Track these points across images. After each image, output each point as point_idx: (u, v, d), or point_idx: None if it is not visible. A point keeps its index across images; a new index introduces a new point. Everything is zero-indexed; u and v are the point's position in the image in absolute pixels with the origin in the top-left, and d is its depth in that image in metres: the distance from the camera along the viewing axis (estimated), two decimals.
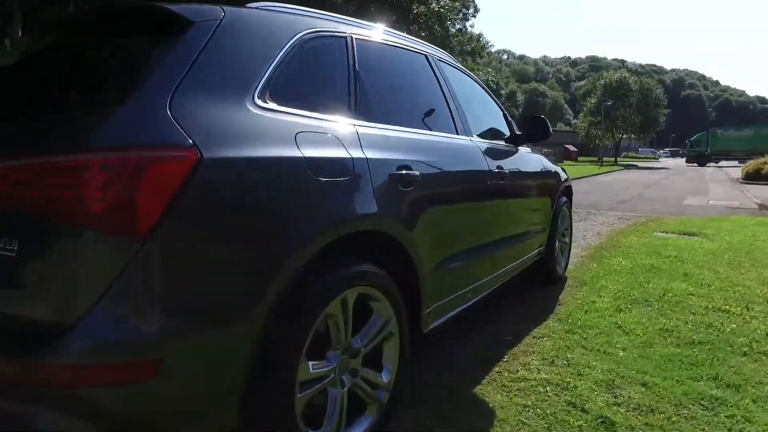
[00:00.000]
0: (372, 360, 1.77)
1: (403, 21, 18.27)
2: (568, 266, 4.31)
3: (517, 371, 2.30)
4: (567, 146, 43.95)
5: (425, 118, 2.23)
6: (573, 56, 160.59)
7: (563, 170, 4.11)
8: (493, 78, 47.99)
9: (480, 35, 43.01)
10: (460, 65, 2.96)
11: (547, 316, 3.11)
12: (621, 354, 2.53)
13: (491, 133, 3.05)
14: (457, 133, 2.41)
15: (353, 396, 1.66)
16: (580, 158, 43.18)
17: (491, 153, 2.64)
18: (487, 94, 3.17)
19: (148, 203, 1.09)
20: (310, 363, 1.44)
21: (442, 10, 20.77)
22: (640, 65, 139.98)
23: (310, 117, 1.52)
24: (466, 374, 2.27)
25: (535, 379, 2.21)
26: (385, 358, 1.81)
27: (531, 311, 3.19)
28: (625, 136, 48.70)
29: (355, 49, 1.87)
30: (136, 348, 1.07)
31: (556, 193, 3.70)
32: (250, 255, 1.24)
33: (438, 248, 2.03)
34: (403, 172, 1.78)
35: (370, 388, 1.70)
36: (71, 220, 1.06)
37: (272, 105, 1.41)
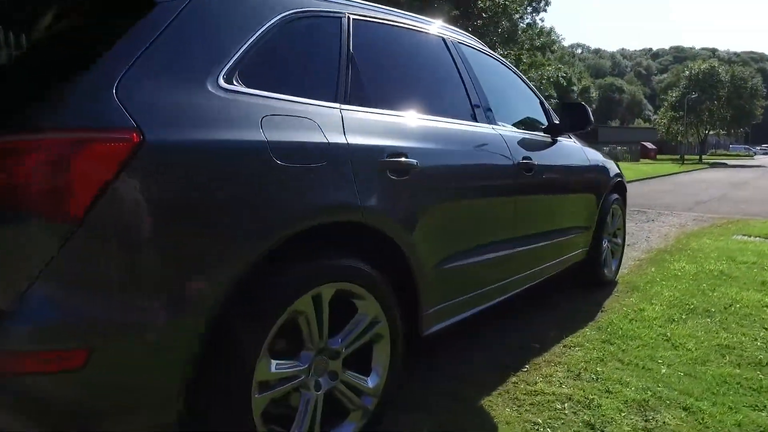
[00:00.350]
0: (360, 363, 1.65)
1: (466, 16, 17.86)
2: (621, 270, 3.92)
3: (536, 383, 2.07)
4: (644, 144, 41.10)
5: (435, 104, 2.06)
6: (655, 47, 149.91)
7: (616, 165, 3.74)
8: (563, 74, 45.90)
9: (551, 29, 41.32)
10: (488, 50, 2.74)
11: (584, 323, 2.81)
12: (663, 371, 2.21)
13: (525, 123, 2.81)
14: (476, 121, 2.22)
15: (337, 400, 1.55)
16: (659, 156, 40.21)
17: (518, 143, 2.41)
18: (521, 81, 2.93)
19: (83, 186, 1.04)
20: (274, 362, 1.34)
21: (508, 3, 20.02)
22: (735, 53, 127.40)
23: (284, 100, 1.42)
24: (479, 382, 2.08)
25: (553, 394, 1.98)
26: (374, 362, 1.67)
27: (567, 317, 2.91)
28: (712, 131, 44.66)
29: (351, 29, 1.75)
30: (65, 336, 1.03)
31: (604, 190, 3.36)
32: (195, 243, 1.16)
33: (442, 245, 1.86)
34: (396, 159, 1.63)
35: (353, 393, 1.58)
36: (5, 202, 1.03)
37: (239, 87, 1.33)
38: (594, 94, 65.15)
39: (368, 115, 1.66)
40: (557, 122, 2.93)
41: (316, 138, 1.42)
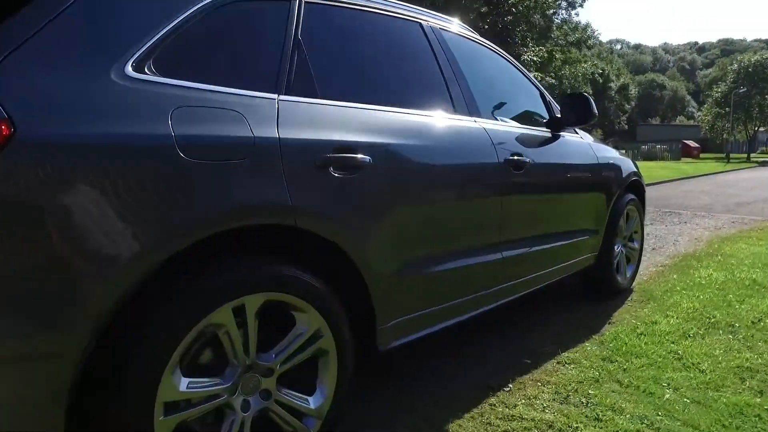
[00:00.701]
0: (305, 381, 1.49)
1: (496, 12, 17.39)
2: (640, 276, 3.62)
3: (515, 406, 1.85)
4: (686, 142, 39.25)
5: (401, 95, 1.87)
6: (701, 41, 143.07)
7: (633, 163, 3.44)
8: (599, 70, 44.17)
9: (587, 24, 39.92)
10: (480, 38, 2.53)
11: (586, 336, 2.56)
12: (668, 396, 1.95)
13: (521, 117, 2.59)
14: (455, 113, 2.02)
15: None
16: (703, 155, 38.26)
17: (507, 138, 2.20)
18: (519, 72, 2.69)
19: None
20: (186, 380, 1.20)
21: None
22: None
23: (206, 91, 1.27)
24: (454, 403, 1.87)
25: (532, 420, 1.76)
26: (319, 380, 1.51)
27: (569, 329, 2.66)
28: (762, 128, 42.21)
29: (301, 14, 1.59)
30: None
31: (616, 189, 3.07)
32: (76, 248, 1.02)
33: (402, 251, 1.67)
34: (343, 155, 1.46)
35: (292, 415, 1.42)
36: None
37: (150, 77, 1.19)
38: (633, 91, 62.71)
39: (313, 106, 1.49)
40: (558, 116, 2.69)
41: (239, 131, 1.27)
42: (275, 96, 1.41)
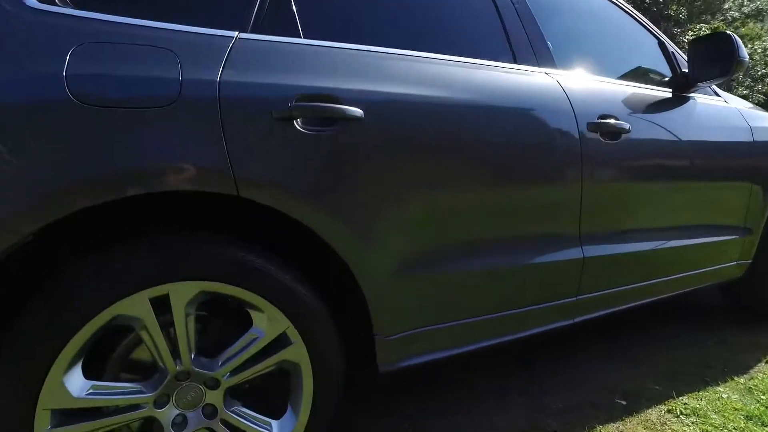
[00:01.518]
0: (273, 400, 1.18)
1: None
2: None
3: None
4: None
5: (427, 36, 1.43)
6: None
7: None
8: None
9: None
10: None
11: (722, 377, 1.81)
12: None
13: (630, 74, 1.94)
14: (515, 62, 1.52)
15: None
16: None
17: (595, 96, 1.61)
18: (626, 14, 2.03)
19: None
20: (88, 383, 0.96)
21: None
22: None
23: (130, 26, 1.01)
24: None
25: None
26: (291, 400, 1.18)
27: (692, 364, 1.93)
28: None
29: None
30: None
31: None
32: None
33: (419, 241, 1.25)
34: (315, 104, 1.10)
35: None
36: None
37: (58, 8, 0.97)
38: None
39: (285, 46, 1.16)
40: (685, 71, 1.97)
41: (161, 73, 0.98)
42: (234, 34, 1.11)
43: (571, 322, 1.62)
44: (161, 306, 1.00)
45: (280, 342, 1.12)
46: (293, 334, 1.12)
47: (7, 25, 0.92)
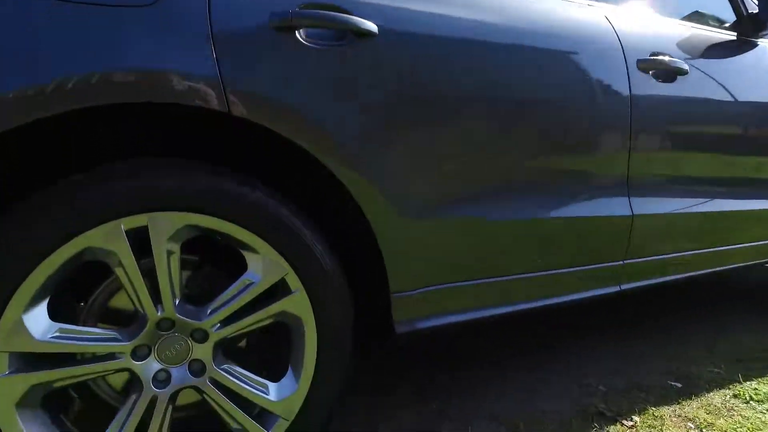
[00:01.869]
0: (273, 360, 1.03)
1: None
2: None
3: None
4: None
5: None
6: None
7: None
8: None
9: None
10: None
11: None
12: None
13: (694, 16, 1.72)
14: None
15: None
16: None
17: (649, 33, 1.41)
18: None
19: None
20: (54, 326, 0.82)
21: None
22: None
23: None
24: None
25: None
26: (291, 360, 1.02)
27: (760, 348, 1.68)
28: None
29: None
30: None
31: None
32: None
33: (442, 180, 1.08)
34: (318, 12, 0.94)
35: (236, 406, 0.96)
36: None
37: None
38: None
39: None
40: (755, 12, 1.73)
41: None
42: None
43: (616, 289, 1.41)
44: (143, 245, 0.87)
45: (279, 290, 0.97)
46: (294, 282, 0.97)
47: None
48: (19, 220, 0.79)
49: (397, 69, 1.02)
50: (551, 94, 1.20)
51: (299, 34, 0.93)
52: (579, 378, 1.47)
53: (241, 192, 0.91)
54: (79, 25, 0.78)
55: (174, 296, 0.90)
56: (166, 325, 0.91)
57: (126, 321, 0.92)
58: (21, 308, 0.79)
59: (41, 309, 0.83)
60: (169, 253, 0.88)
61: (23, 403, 0.81)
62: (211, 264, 1.01)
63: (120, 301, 0.95)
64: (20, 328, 0.79)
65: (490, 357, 1.59)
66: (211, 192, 0.88)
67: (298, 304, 0.98)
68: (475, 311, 1.18)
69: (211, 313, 0.93)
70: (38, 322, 0.82)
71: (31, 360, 0.83)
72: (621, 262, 1.39)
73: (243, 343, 1.07)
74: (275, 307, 0.96)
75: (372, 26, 0.98)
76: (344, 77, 0.97)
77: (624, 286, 1.41)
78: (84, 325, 0.91)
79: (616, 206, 1.34)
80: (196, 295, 0.97)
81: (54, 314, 0.84)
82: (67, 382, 0.85)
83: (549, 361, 1.57)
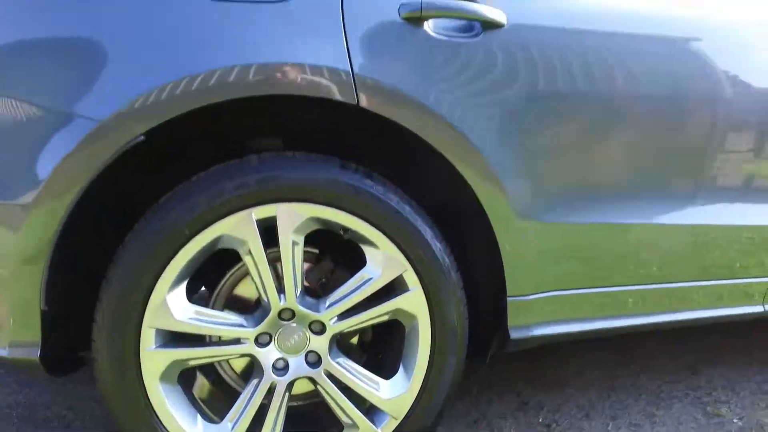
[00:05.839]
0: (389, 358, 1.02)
1: None
2: None
3: None
4: None
5: None
6: None
7: None
8: None
9: None
10: None
11: None
12: None
13: None
14: None
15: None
16: None
17: None
18: None
19: None
20: (192, 308, 0.87)
21: None
22: None
23: None
24: None
25: None
26: (404, 358, 1.00)
27: None
28: None
29: None
30: None
31: None
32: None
33: (575, 177, 1.01)
34: (450, 2, 0.90)
35: (348, 400, 0.95)
36: None
37: None
38: None
39: None
40: None
41: None
42: None
43: (760, 309, 1.24)
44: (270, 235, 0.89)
45: (397, 287, 0.96)
46: (412, 279, 0.95)
47: None
48: (165, 208, 0.84)
49: (527, 63, 0.96)
50: (699, 96, 1.08)
51: (428, 26, 0.90)
52: (711, 405, 1.31)
53: (364, 186, 0.90)
54: (218, 21, 0.82)
55: (296, 287, 0.92)
56: (287, 315, 0.93)
57: (249, 309, 0.96)
58: (165, 289, 0.85)
59: (181, 291, 0.88)
60: (294, 244, 0.90)
61: (165, 378, 0.87)
62: (332, 258, 1.02)
63: (245, 290, 0.99)
64: (164, 307, 0.85)
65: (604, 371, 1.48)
66: (334, 185, 0.89)
67: (414, 302, 0.95)
68: (595, 321, 1.10)
69: (329, 306, 0.94)
70: (179, 303, 0.87)
71: (171, 338, 0.88)
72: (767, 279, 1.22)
73: (355, 339, 1.07)
74: (392, 304, 0.95)
75: (501, 15, 0.93)
76: (471, 72, 0.93)
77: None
78: (214, 309, 0.95)
79: (763, 214, 1.18)
80: (316, 288, 0.99)
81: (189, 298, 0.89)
82: (201, 361, 0.91)
83: (674, 381, 1.42)
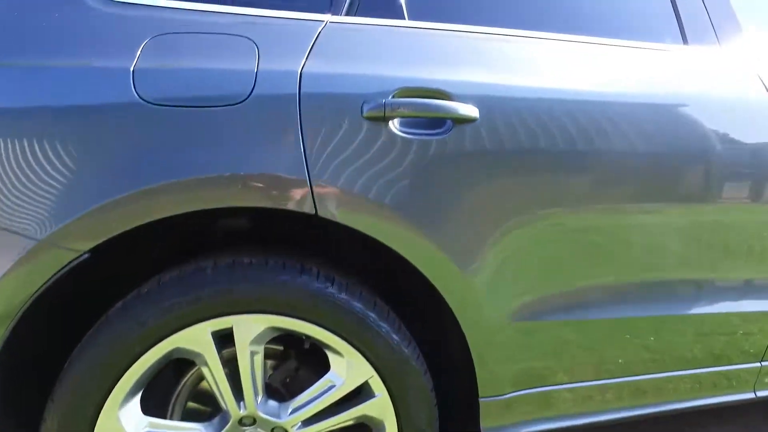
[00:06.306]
0: None
1: None
2: None
3: None
4: None
5: (570, 12, 1.10)
6: None
7: None
8: None
9: None
10: None
11: None
12: None
13: None
14: (686, 42, 1.14)
15: None
16: None
17: None
18: None
19: None
20: (145, 420, 0.84)
21: None
22: None
23: (209, 13, 0.87)
24: None
25: None
26: None
27: None
28: None
29: None
30: None
31: None
32: None
33: (553, 277, 0.95)
34: (419, 101, 0.87)
35: None
36: None
37: None
38: None
39: (386, 30, 0.94)
40: None
41: (234, 64, 0.82)
42: (324, 18, 0.92)
43: (751, 395, 1.19)
44: (227, 341, 0.86)
45: (363, 392, 0.92)
46: (378, 386, 0.91)
47: (87, 20, 0.83)
48: (113, 323, 0.81)
49: (500, 157, 0.91)
50: (683, 181, 1.02)
51: (393, 125, 0.86)
52: None
53: (325, 294, 0.86)
54: (174, 129, 0.78)
55: (257, 395, 0.89)
56: (248, 420, 0.90)
57: (210, 412, 0.93)
58: (117, 404, 0.82)
59: (134, 404, 0.85)
60: (253, 353, 0.87)
61: None
62: (297, 354, 0.99)
63: (200, 395, 0.96)
64: (116, 423, 0.82)
65: None
66: (294, 294, 0.85)
67: (381, 408, 0.92)
68: (573, 418, 1.05)
69: (292, 412, 0.91)
70: (131, 418, 0.84)
71: None
72: (758, 364, 1.16)
73: None
74: (357, 411, 0.92)
75: (474, 110, 0.88)
76: (441, 169, 0.88)
77: (760, 393, 1.19)
78: (171, 419, 0.93)
79: (749, 301, 1.13)
80: (279, 389, 0.96)
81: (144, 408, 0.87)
82: None
83: None
